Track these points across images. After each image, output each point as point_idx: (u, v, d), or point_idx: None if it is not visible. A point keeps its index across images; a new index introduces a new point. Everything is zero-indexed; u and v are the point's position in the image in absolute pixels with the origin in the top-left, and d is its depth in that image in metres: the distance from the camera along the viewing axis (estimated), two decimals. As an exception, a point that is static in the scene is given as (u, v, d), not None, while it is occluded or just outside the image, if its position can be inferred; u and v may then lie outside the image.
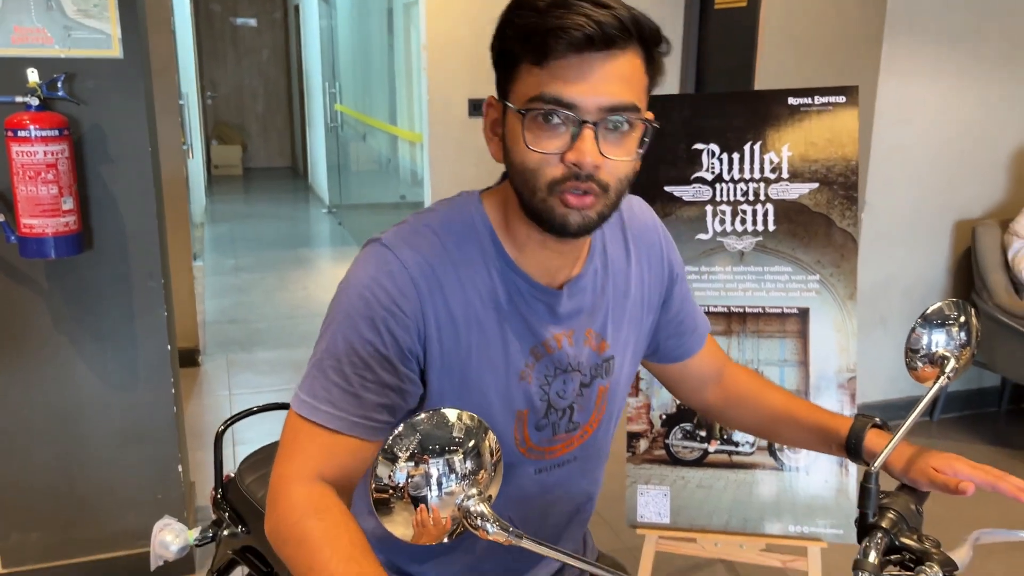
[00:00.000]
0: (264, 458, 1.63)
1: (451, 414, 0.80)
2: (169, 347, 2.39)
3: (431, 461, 0.78)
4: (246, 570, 1.58)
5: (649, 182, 2.22)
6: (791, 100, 2.17)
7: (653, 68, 0.95)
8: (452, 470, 0.79)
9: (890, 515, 0.98)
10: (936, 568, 0.92)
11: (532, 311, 1.04)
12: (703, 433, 2.21)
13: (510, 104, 0.94)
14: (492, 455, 0.82)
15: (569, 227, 0.95)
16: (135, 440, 2.41)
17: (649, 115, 0.95)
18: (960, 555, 0.97)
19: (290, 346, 4.64)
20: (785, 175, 2.16)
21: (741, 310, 2.19)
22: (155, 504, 2.46)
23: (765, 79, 3.91)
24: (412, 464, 0.78)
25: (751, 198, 2.18)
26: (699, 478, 2.21)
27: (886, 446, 1.04)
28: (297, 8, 10.46)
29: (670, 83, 4.78)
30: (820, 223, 2.15)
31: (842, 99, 2.15)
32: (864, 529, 0.98)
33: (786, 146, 2.16)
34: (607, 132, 0.91)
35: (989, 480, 1.02)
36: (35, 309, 2.24)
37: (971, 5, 3.33)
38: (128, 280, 2.30)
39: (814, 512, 2.15)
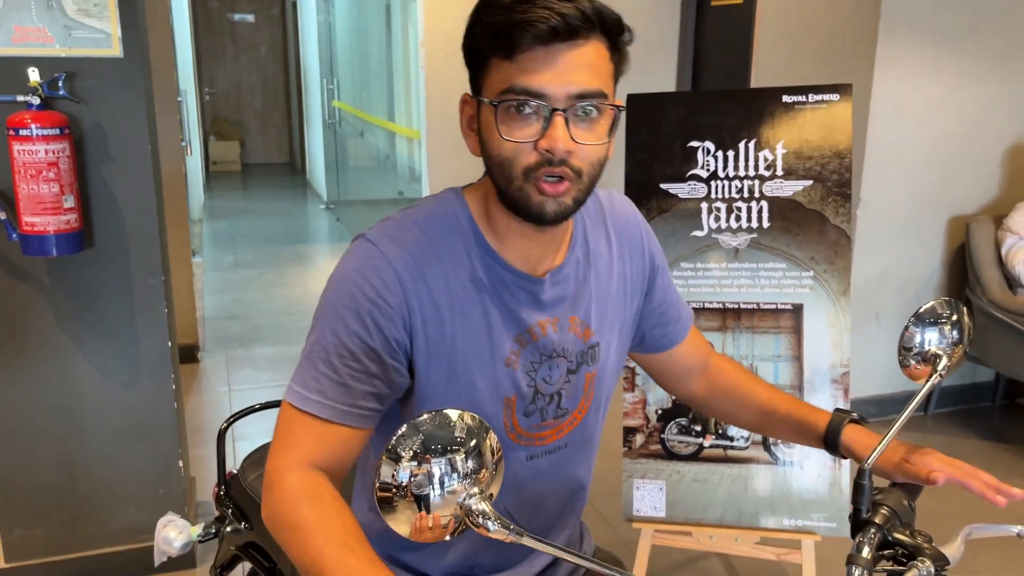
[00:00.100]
0: (266, 455, 1.65)
1: (453, 414, 0.82)
2: (169, 344, 2.41)
3: (434, 461, 0.80)
4: (248, 566, 1.60)
5: (645, 179, 2.24)
6: (785, 98, 2.19)
7: (618, 56, 1.00)
8: (454, 469, 0.81)
9: (883, 511, 1.00)
10: (928, 563, 0.93)
11: (515, 299, 1.07)
12: (698, 428, 2.23)
13: (483, 99, 0.98)
14: (493, 454, 0.84)
15: (546, 215, 0.98)
16: (136, 436, 2.43)
17: (618, 101, 1.00)
18: (952, 550, 0.99)
19: (289, 342, 4.66)
20: (779, 172, 2.18)
21: (736, 306, 2.22)
22: (156, 499, 2.48)
23: (761, 76, 3.93)
24: (415, 464, 0.80)
25: (746, 195, 2.20)
26: (694, 472, 2.24)
27: (873, 442, 1.08)
28: (295, 4, 10.44)
29: (666, 80, 4.79)
30: (814, 220, 2.17)
31: (836, 97, 2.17)
32: (857, 525, 1.00)
33: (780, 143, 2.18)
34: (577, 119, 0.96)
35: (958, 476, 1.05)
36: (37, 307, 2.26)
37: (966, 3, 3.35)
38: (129, 277, 2.32)
39: (808, 506, 2.18)
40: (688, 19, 4.65)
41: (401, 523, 0.82)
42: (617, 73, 1.01)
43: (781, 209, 2.18)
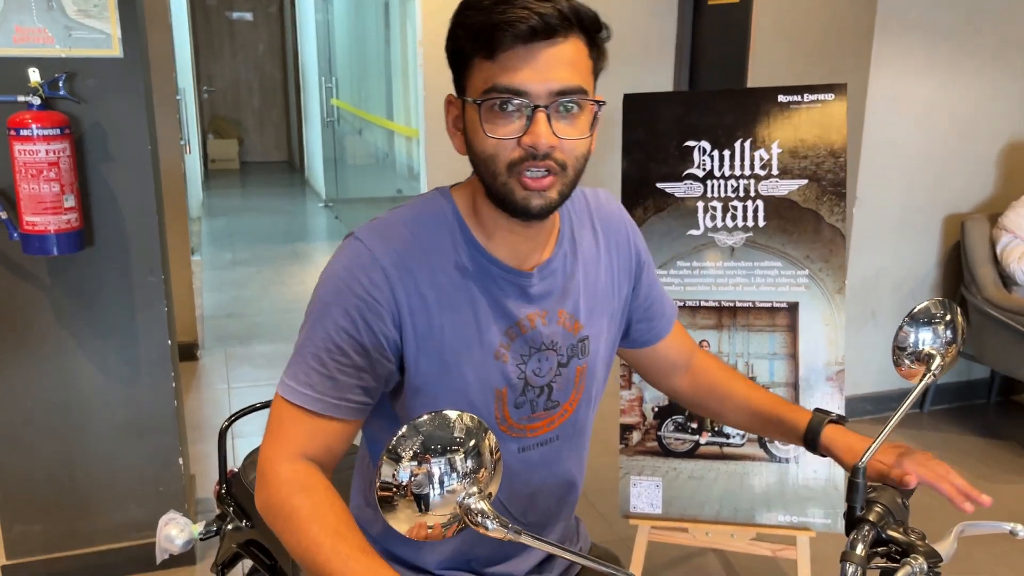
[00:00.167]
0: (266, 454, 1.66)
1: (452, 415, 0.84)
2: (169, 342, 2.42)
3: (433, 461, 0.82)
4: (249, 563, 1.61)
5: (641, 179, 2.26)
6: (781, 98, 2.20)
7: (597, 52, 1.03)
8: (453, 469, 0.83)
9: (877, 508, 1.01)
10: (921, 560, 0.95)
11: (504, 293, 1.10)
12: (694, 425, 2.25)
13: (467, 98, 1.02)
14: (492, 454, 0.86)
15: (531, 208, 1.01)
16: (136, 433, 2.44)
17: (598, 96, 1.03)
18: (945, 547, 1.00)
19: (287, 340, 4.67)
20: (775, 172, 2.20)
21: (732, 304, 2.23)
22: (156, 496, 2.49)
23: (758, 74, 3.94)
24: (415, 464, 0.81)
25: (741, 194, 2.22)
26: (691, 469, 2.26)
27: (852, 442, 1.12)
28: (293, 2, 10.43)
29: (664, 77, 4.81)
30: (809, 219, 2.19)
31: (831, 96, 2.18)
32: (852, 522, 1.01)
33: (776, 143, 2.20)
34: (559, 114, 0.99)
35: (930, 478, 1.07)
36: (37, 305, 2.28)
37: (961, 2, 3.36)
38: (129, 276, 2.33)
39: (803, 502, 2.20)
40: (685, 18, 4.67)
41: (401, 522, 0.83)
42: (596, 69, 1.04)
43: (776, 208, 2.20)
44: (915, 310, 1.17)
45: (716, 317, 2.24)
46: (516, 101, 0.97)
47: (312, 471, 1.03)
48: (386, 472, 0.81)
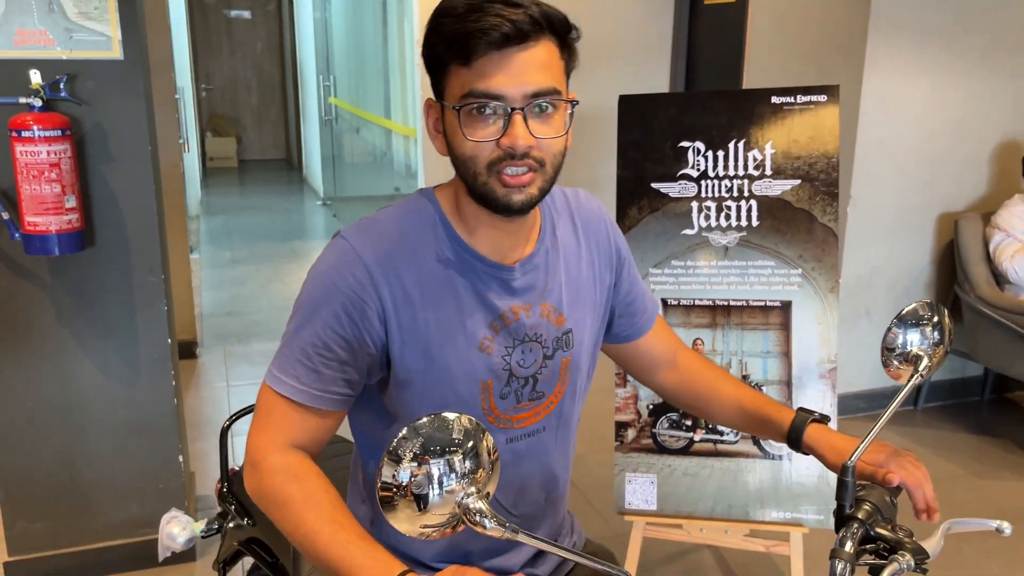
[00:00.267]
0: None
1: (451, 417, 0.86)
2: (169, 341, 2.44)
3: (432, 462, 0.85)
4: (250, 560, 1.63)
5: (637, 179, 2.28)
6: (774, 99, 2.23)
7: (568, 53, 1.07)
8: (452, 470, 0.85)
9: (866, 507, 1.03)
10: (908, 556, 0.97)
11: (487, 287, 1.13)
12: (689, 423, 2.28)
13: (446, 103, 1.06)
14: (489, 455, 0.88)
15: (513, 205, 1.06)
16: (137, 432, 2.46)
17: (572, 95, 1.08)
18: (931, 544, 1.02)
19: (286, 338, 4.68)
20: (768, 172, 2.22)
21: (725, 303, 2.26)
22: (157, 494, 2.52)
23: (753, 74, 3.97)
24: (415, 464, 0.84)
25: (735, 194, 2.24)
26: (685, 466, 2.28)
27: (835, 441, 1.16)
28: (291, 1, 10.44)
29: (661, 78, 4.82)
30: (802, 218, 2.21)
31: (823, 98, 2.21)
32: (841, 520, 1.03)
33: (769, 144, 2.22)
34: (534, 115, 1.03)
35: (909, 483, 1.09)
36: (39, 305, 2.30)
37: (952, 3, 3.38)
38: (129, 276, 2.35)
39: (796, 499, 2.23)
40: (682, 18, 4.68)
41: (401, 521, 0.86)
42: (568, 68, 1.08)
43: (770, 208, 2.22)
44: (903, 312, 1.19)
45: (710, 316, 2.27)
46: (493, 105, 1.01)
47: (303, 459, 1.09)
48: (387, 473, 0.84)
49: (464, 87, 1.02)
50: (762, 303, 2.24)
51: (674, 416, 2.29)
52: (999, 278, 3.48)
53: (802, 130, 2.21)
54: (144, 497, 2.51)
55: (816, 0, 3.55)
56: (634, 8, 4.70)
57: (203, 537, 1.64)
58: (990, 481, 3.18)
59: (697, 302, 2.27)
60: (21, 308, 2.29)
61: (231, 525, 1.61)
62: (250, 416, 1.64)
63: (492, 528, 0.86)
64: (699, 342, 2.27)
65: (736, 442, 2.26)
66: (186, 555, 2.56)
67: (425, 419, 0.85)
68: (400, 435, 0.84)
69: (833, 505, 1.07)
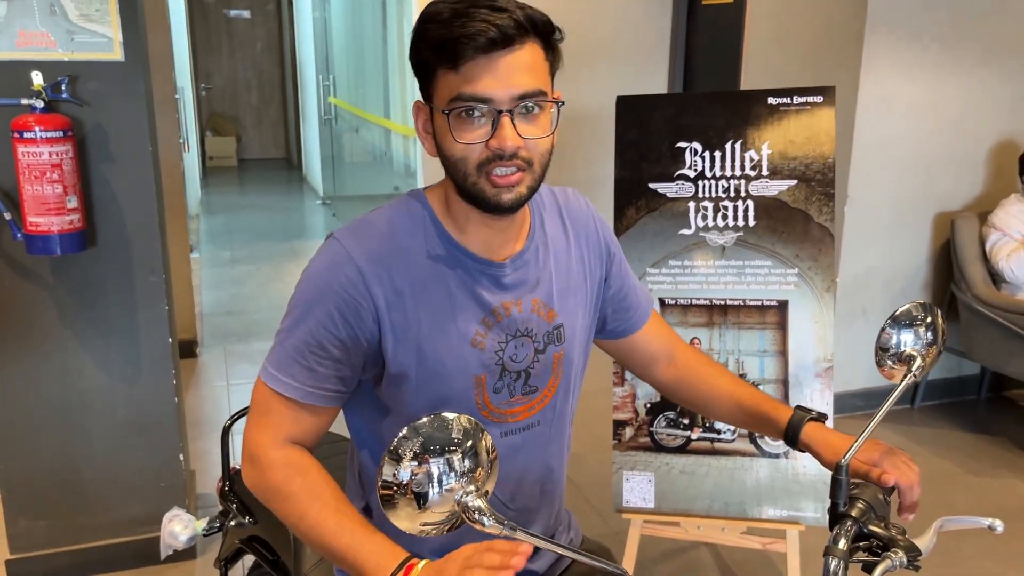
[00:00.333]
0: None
1: (450, 417, 0.88)
2: (170, 340, 2.46)
3: (432, 461, 0.86)
4: (252, 559, 1.64)
5: (634, 179, 2.30)
6: (771, 100, 2.24)
7: (552, 54, 1.10)
8: (452, 469, 0.87)
9: (859, 505, 1.05)
10: (901, 554, 0.99)
11: (478, 283, 1.16)
12: (686, 421, 2.29)
13: (435, 106, 1.08)
14: (488, 454, 0.90)
15: (503, 204, 1.08)
16: (138, 430, 2.48)
17: (557, 94, 1.10)
18: (924, 541, 1.03)
19: (286, 337, 4.68)
20: (765, 172, 2.24)
21: (722, 303, 2.27)
22: (158, 492, 2.53)
23: (751, 74, 3.97)
24: (415, 464, 0.86)
25: (732, 195, 2.26)
26: (682, 464, 2.30)
27: (831, 439, 1.17)
28: (291, 0, 10.45)
29: (658, 78, 4.83)
30: (799, 219, 2.23)
31: (819, 99, 2.22)
32: (835, 517, 1.05)
33: (766, 144, 2.24)
34: (521, 116, 1.05)
35: (903, 483, 1.11)
36: (41, 304, 2.31)
37: (949, 5, 3.40)
38: (130, 275, 2.37)
39: (793, 497, 2.24)
40: (680, 18, 4.69)
41: (401, 519, 0.88)
42: (553, 69, 1.10)
43: (767, 208, 2.24)
44: (897, 312, 1.20)
45: (707, 315, 2.28)
46: (481, 107, 1.03)
47: (302, 453, 1.13)
48: (387, 472, 0.86)
49: (452, 91, 1.04)
50: (759, 303, 2.26)
51: (671, 414, 2.30)
52: (995, 277, 3.49)
53: (798, 131, 2.22)
54: (145, 495, 2.53)
55: (814, 1, 3.56)
56: (632, 8, 4.70)
57: (205, 535, 1.65)
58: (987, 479, 3.20)
59: (694, 302, 2.28)
60: (23, 308, 2.30)
61: (232, 523, 1.62)
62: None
63: (491, 526, 0.88)
64: (696, 341, 2.28)
65: (733, 440, 2.28)
66: (187, 553, 2.58)
67: (425, 419, 0.87)
68: (400, 435, 0.86)
69: (828, 503, 1.08)
